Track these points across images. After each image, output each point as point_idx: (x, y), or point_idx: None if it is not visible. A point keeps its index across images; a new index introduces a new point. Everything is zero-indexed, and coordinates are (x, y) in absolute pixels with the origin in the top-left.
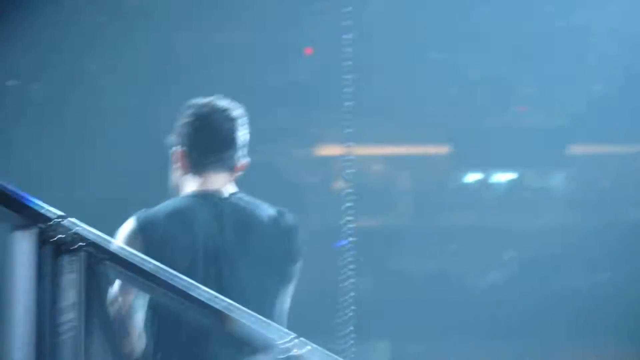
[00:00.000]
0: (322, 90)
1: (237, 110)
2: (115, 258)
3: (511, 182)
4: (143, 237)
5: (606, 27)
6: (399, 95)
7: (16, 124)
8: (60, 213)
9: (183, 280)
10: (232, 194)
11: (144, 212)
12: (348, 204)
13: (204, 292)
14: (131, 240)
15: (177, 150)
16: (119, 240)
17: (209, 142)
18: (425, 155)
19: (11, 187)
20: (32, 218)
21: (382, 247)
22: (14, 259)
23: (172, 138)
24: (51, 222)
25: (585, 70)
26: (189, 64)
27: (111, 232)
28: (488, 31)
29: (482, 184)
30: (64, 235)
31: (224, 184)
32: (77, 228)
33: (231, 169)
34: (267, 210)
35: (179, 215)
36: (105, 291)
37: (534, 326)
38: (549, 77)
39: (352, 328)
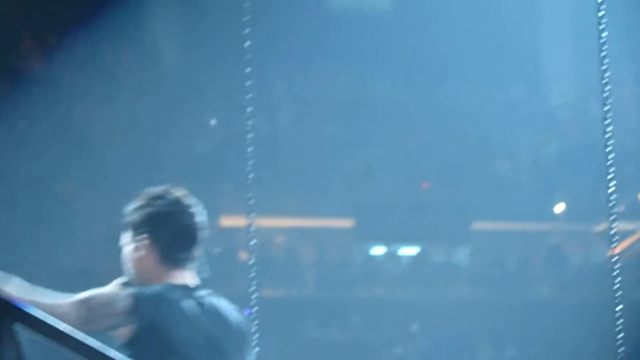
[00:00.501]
0: (225, 162)
1: (200, 207)
2: (26, 318)
3: (415, 257)
4: (140, 317)
5: (510, 105)
6: (301, 168)
7: None
8: None
9: (95, 343)
10: (202, 288)
11: (141, 292)
12: (252, 274)
13: (116, 356)
14: (124, 317)
15: (142, 239)
16: (108, 310)
17: (182, 240)
18: (329, 227)
19: None
20: None
21: (286, 316)
22: None
23: (133, 224)
24: None
25: (489, 147)
26: (91, 135)
27: None
28: (390, 106)
29: (387, 257)
30: None
31: (193, 277)
32: None
33: (196, 262)
34: (230, 305)
35: (172, 305)
36: (16, 351)
37: None
38: (452, 154)
39: None
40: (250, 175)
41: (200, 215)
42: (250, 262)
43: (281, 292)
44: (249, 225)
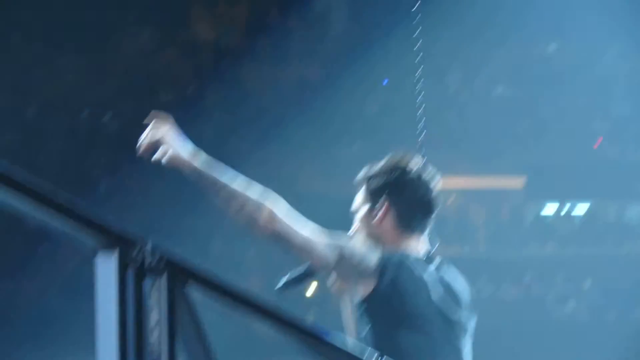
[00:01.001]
0: (395, 124)
1: (438, 177)
2: (199, 279)
3: (587, 214)
4: (384, 279)
5: None
6: (471, 129)
7: None
8: (142, 235)
9: (269, 304)
10: (434, 257)
11: (389, 255)
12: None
13: (291, 316)
14: (370, 274)
15: (382, 203)
16: (359, 262)
17: (425, 209)
18: (500, 188)
19: (93, 208)
20: (114, 240)
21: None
22: (96, 281)
23: (373, 187)
24: (134, 244)
25: None
26: (260, 99)
27: None
28: (560, 65)
29: (558, 215)
30: (146, 257)
31: (425, 246)
32: (160, 250)
33: (428, 230)
34: (458, 274)
35: (413, 273)
36: (189, 313)
37: (614, 354)
38: (623, 111)
39: None
40: (421, 137)
41: (438, 185)
42: None
43: (454, 251)
44: None
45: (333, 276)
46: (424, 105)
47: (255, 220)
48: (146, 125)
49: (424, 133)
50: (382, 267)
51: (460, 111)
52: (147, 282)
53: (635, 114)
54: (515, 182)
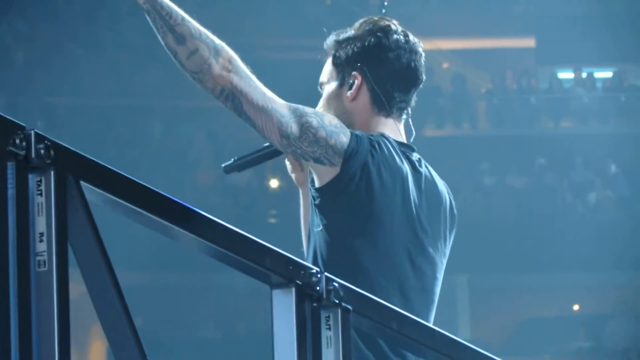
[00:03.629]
0: None
1: (421, 45)
2: (95, 175)
3: (611, 80)
4: (351, 164)
5: None
6: None
7: None
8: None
9: (187, 209)
10: (414, 149)
11: (363, 134)
12: None
13: (215, 224)
14: (333, 155)
15: (354, 76)
16: (323, 136)
17: (407, 81)
18: (505, 48)
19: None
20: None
21: (453, 158)
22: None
23: (341, 56)
24: (12, 133)
25: None
26: None
27: None
28: None
29: (577, 82)
30: (30, 148)
31: (404, 132)
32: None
33: (407, 113)
34: (439, 178)
35: (390, 162)
36: (83, 216)
37: None
38: None
39: None
40: None
41: (423, 55)
42: None
43: (448, 130)
44: None
45: (294, 152)
46: None
47: (210, 66)
48: None
49: None
50: (354, 146)
51: None
52: (30, 179)
53: None
54: (524, 42)
